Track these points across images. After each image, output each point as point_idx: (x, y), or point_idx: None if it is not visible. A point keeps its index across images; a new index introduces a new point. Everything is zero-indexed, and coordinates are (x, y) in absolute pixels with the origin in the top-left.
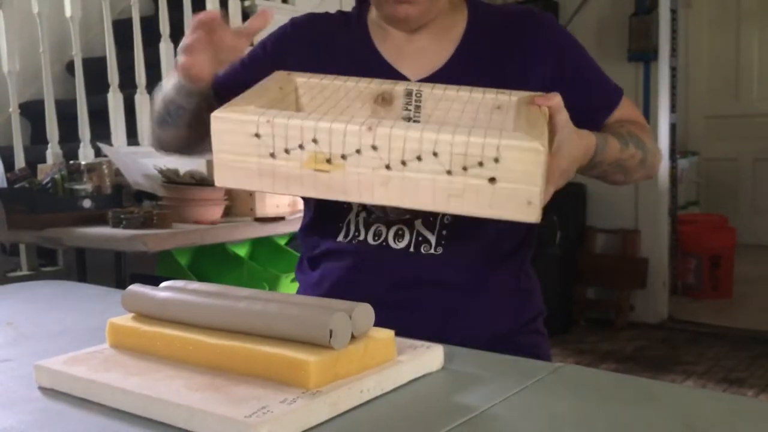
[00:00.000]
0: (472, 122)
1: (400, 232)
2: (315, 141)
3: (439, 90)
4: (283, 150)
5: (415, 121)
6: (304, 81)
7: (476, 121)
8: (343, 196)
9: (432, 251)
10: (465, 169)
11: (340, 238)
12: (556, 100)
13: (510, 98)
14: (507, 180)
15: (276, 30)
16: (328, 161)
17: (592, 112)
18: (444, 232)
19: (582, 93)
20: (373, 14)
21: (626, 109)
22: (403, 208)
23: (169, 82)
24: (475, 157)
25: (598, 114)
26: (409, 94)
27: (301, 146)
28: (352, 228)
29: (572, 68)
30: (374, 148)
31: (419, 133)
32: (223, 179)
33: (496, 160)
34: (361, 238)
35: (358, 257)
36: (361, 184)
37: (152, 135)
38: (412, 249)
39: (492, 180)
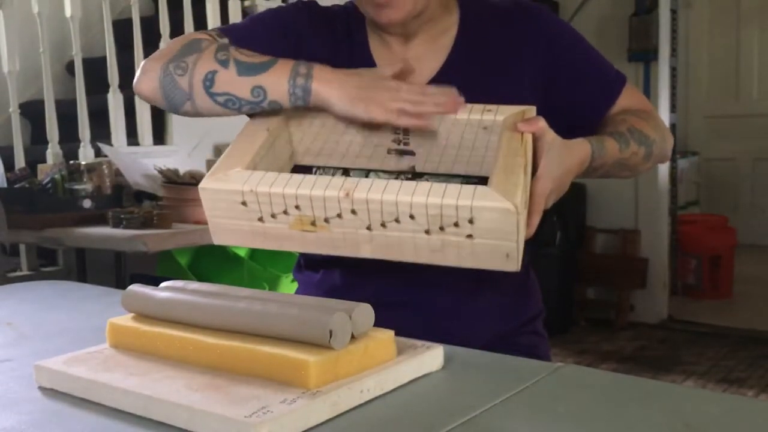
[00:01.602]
0: (458, 143)
1: None
2: (298, 207)
3: None
4: (269, 215)
5: (405, 144)
6: (293, 112)
7: (462, 141)
8: (333, 251)
9: None
10: (442, 228)
11: None
12: (539, 125)
13: (495, 118)
14: (483, 237)
15: (293, 7)
16: (313, 224)
17: (592, 105)
18: None
19: (579, 85)
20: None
21: (630, 98)
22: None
23: (276, 81)
24: (451, 218)
25: (598, 106)
26: None
27: (285, 212)
28: None
29: (566, 60)
30: (353, 212)
31: (394, 196)
32: (219, 239)
33: (471, 221)
34: None
35: (357, 263)
36: (347, 242)
37: (189, 98)
38: None
39: (469, 236)
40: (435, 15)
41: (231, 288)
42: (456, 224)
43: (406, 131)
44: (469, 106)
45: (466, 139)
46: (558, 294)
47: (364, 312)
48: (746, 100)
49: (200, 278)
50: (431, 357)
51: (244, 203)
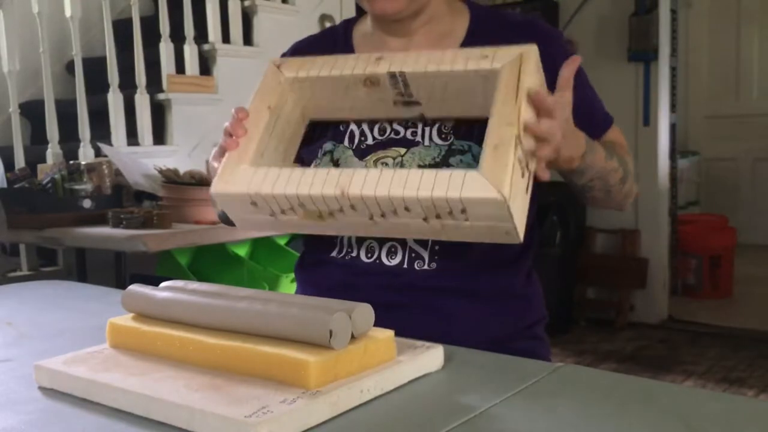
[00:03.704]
0: (458, 90)
1: (393, 249)
2: (302, 205)
3: (420, 66)
4: (280, 212)
5: (408, 96)
6: (293, 77)
7: (463, 88)
8: (348, 232)
9: (426, 267)
10: (439, 216)
11: (334, 253)
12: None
13: (492, 64)
14: (479, 220)
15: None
16: (320, 216)
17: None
18: (437, 248)
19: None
20: (366, 26)
21: (614, 135)
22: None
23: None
24: (444, 208)
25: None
26: (393, 76)
27: (292, 209)
28: (345, 244)
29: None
30: (353, 207)
31: (387, 192)
32: (243, 228)
33: (463, 211)
34: (354, 254)
35: (351, 272)
36: (356, 226)
37: None
38: (405, 265)
39: (467, 220)
40: (437, 14)
41: (231, 288)
42: (450, 213)
43: (405, 84)
44: (467, 51)
45: (467, 87)
46: (558, 294)
47: (364, 312)
48: (746, 100)
49: (200, 278)
50: (431, 357)
51: (254, 203)
